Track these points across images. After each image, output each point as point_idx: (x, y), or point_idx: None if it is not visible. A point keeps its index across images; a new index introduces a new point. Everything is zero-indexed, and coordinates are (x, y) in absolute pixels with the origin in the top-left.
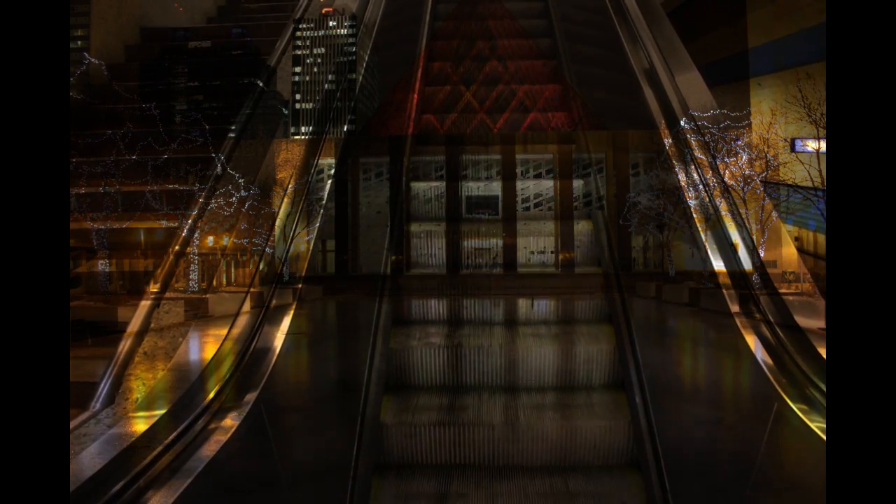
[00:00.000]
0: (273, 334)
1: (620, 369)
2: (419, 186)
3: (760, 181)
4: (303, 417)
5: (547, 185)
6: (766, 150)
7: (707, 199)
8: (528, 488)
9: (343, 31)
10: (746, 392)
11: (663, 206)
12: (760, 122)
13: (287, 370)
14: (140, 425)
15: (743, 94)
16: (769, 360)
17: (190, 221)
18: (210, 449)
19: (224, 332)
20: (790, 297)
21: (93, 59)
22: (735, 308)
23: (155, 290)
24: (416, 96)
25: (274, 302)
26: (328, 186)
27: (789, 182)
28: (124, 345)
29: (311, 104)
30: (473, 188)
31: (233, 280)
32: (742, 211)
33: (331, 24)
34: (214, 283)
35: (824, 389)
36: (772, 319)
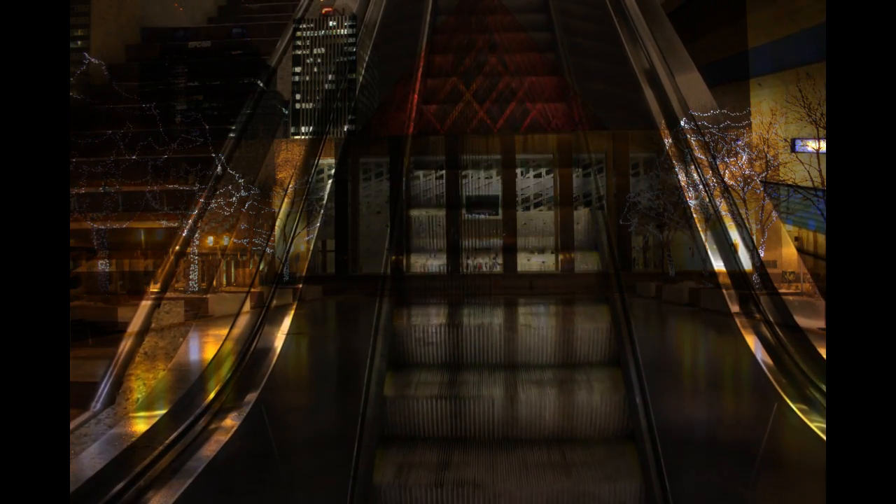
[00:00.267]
0: (273, 334)
1: (620, 366)
2: (419, 187)
3: (760, 181)
4: (304, 418)
5: (547, 185)
6: (766, 150)
7: (707, 199)
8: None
9: (343, 31)
10: (746, 392)
11: (663, 205)
12: (760, 122)
13: (287, 370)
14: (140, 425)
15: (743, 94)
16: (769, 360)
17: (190, 221)
18: (211, 449)
19: (224, 332)
20: (790, 297)
21: (93, 59)
22: (735, 308)
23: (155, 290)
24: (416, 97)
25: (274, 302)
26: (328, 186)
27: (789, 182)
28: (124, 345)
29: (311, 104)
30: (473, 188)
31: (233, 280)
32: (742, 211)
33: (331, 24)
34: (214, 283)
35: (824, 390)
36: (772, 319)
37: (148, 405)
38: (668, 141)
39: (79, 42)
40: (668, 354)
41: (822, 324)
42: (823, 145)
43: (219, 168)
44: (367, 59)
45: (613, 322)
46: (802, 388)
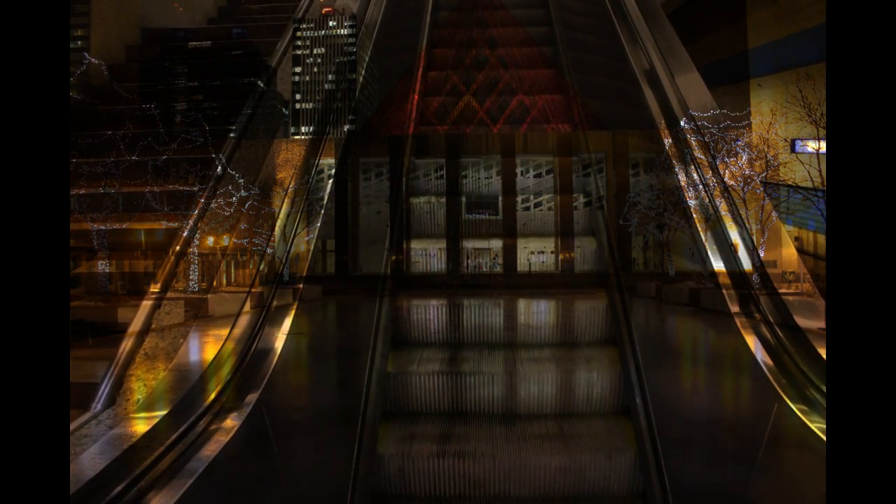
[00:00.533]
0: (274, 335)
1: (621, 373)
2: (419, 188)
3: (760, 181)
4: (304, 418)
5: (547, 185)
6: (766, 150)
7: (707, 199)
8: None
9: (343, 32)
10: (745, 392)
11: (663, 205)
12: (760, 123)
13: (288, 371)
14: (141, 426)
15: (743, 94)
16: (769, 361)
17: (190, 222)
18: (211, 450)
19: (225, 332)
20: (790, 297)
21: (93, 60)
22: (735, 308)
23: (155, 290)
24: (416, 97)
25: (274, 302)
26: (328, 186)
27: (789, 182)
28: (125, 345)
29: (311, 104)
30: (473, 188)
31: (233, 280)
32: (742, 211)
33: (331, 24)
34: (215, 283)
35: (824, 390)
36: (771, 319)
37: (148, 406)
38: (667, 141)
39: (79, 42)
40: (667, 354)
41: (822, 324)
42: (823, 145)
43: (219, 168)
44: (367, 58)
45: (613, 324)
46: (802, 389)
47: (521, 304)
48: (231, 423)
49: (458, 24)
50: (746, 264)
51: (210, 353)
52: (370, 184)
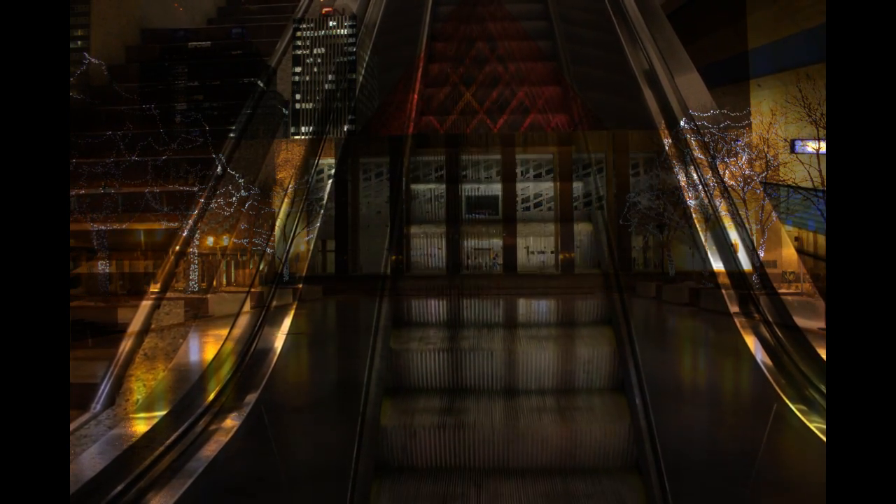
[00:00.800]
0: (273, 335)
1: (620, 367)
2: (419, 187)
3: (760, 181)
4: (304, 418)
5: (547, 185)
6: (766, 150)
7: (707, 200)
8: None
9: (343, 32)
10: (745, 391)
11: (663, 206)
12: (760, 123)
13: (288, 371)
14: (141, 426)
15: (743, 94)
16: (768, 361)
17: (190, 222)
18: (211, 449)
19: (224, 332)
20: (790, 298)
21: (93, 60)
22: (735, 308)
23: (155, 290)
24: (415, 96)
25: (274, 302)
26: (328, 186)
27: (789, 182)
28: (125, 345)
29: (311, 104)
30: (473, 187)
31: (233, 280)
32: (742, 211)
33: (331, 24)
34: (214, 283)
35: (823, 390)
36: (771, 319)
37: (148, 406)
38: (667, 141)
39: (79, 42)
40: (666, 354)
41: (821, 324)
42: (823, 145)
43: (219, 168)
44: (366, 57)
45: (613, 325)
46: (802, 389)
47: (521, 303)
48: (231, 422)
49: (459, 19)
50: (746, 264)
51: (210, 353)
52: (370, 183)
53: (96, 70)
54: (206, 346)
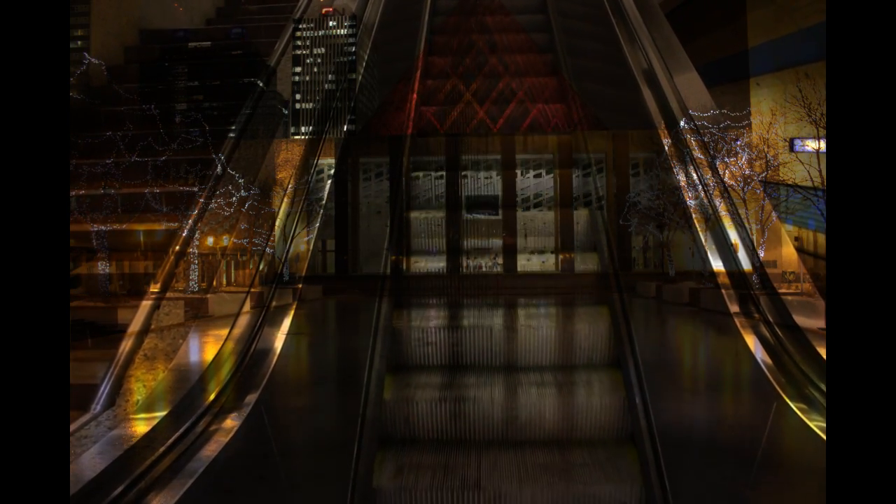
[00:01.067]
0: (274, 335)
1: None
2: (419, 187)
3: (760, 181)
4: (303, 418)
5: (547, 185)
6: (765, 150)
7: (707, 200)
8: None
9: (343, 31)
10: (744, 389)
11: (663, 205)
12: (760, 122)
13: (288, 371)
14: (141, 427)
15: (742, 94)
16: (768, 359)
17: (190, 222)
18: (211, 450)
19: (224, 332)
20: (790, 297)
21: (93, 60)
22: (735, 308)
23: (155, 290)
24: (415, 95)
25: (274, 302)
26: (328, 186)
27: (789, 182)
28: (124, 346)
29: (311, 104)
30: (473, 187)
31: (233, 280)
32: (742, 211)
33: (331, 24)
34: (214, 283)
35: (823, 389)
36: (771, 319)
37: (148, 406)
38: (667, 141)
39: (79, 42)
40: (667, 354)
41: (822, 324)
42: (823, 145)
43: (219, 168)
44: (366, 56)
45: (613, 324)
46: (801, 387)
47: (521, 303)
48: (231, 423)
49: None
50: (746, 264)
51: (210, 353)
52: (370, 183)
53: (96, 70)
54: (207, 347)
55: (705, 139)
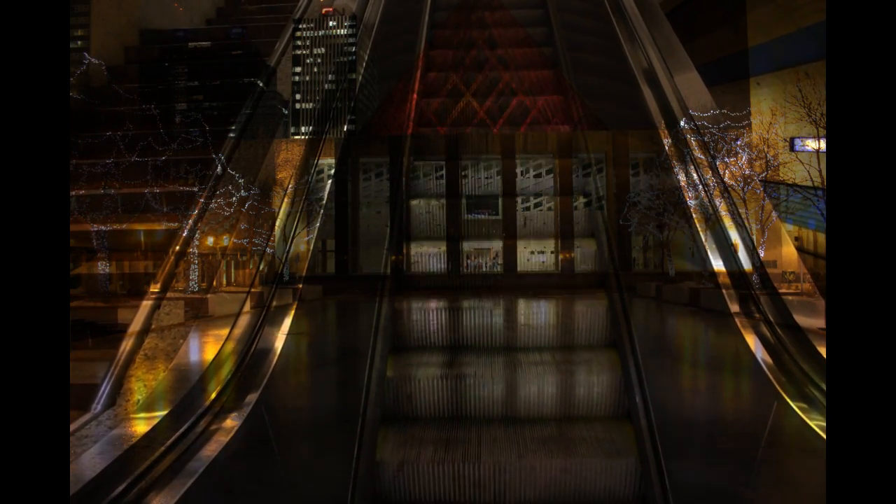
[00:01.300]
0: (274, 335)
1: (622, 376)
2: (419, 187)
3: (760, 181)
4: (303, 418)
5: (547, 185)
6: (765, 149)
7: (707, 200)
8: None
9: (343, 31)
10: (745, 389)
11: (663, 205)
12: (760, 122)
13: (288, 371)
14: (141, 426)
15: (742, 93)
16: (768, 359)
17: (190, 222)
18: (212, 449)
19: (225, 332)
20: (790, 297)
21: (93, 60)
22: (735, 308)
23: (155, 290)
24: (415, 95)
25: (274, 302)
26: (328, 186)
27: (789, 182)
28: (125, 346)
29: (311, 104)
30: (472, 187)
31: (233, 280)
32: (742, 211)
33: (331, 24)
34: (214, 283)
35: (823, 388)
36: (771, 319)
37: (148, 406)
38: (667, 141)
39: (79, 42)
40: (667, 353)
41: (822, 324)
42: (823, 145)
43: (219, 168)
44: (366, 56)
45: (613, 324)
46: (802, 387)
47: (522, 303)
48: (231, 422)
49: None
50: (746, 264)
51: (210, 353)
52: (370, 183)
53: (96, 70)
54: (207, 347)
55: (705, 139)
